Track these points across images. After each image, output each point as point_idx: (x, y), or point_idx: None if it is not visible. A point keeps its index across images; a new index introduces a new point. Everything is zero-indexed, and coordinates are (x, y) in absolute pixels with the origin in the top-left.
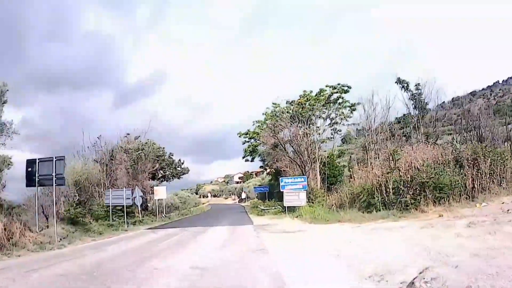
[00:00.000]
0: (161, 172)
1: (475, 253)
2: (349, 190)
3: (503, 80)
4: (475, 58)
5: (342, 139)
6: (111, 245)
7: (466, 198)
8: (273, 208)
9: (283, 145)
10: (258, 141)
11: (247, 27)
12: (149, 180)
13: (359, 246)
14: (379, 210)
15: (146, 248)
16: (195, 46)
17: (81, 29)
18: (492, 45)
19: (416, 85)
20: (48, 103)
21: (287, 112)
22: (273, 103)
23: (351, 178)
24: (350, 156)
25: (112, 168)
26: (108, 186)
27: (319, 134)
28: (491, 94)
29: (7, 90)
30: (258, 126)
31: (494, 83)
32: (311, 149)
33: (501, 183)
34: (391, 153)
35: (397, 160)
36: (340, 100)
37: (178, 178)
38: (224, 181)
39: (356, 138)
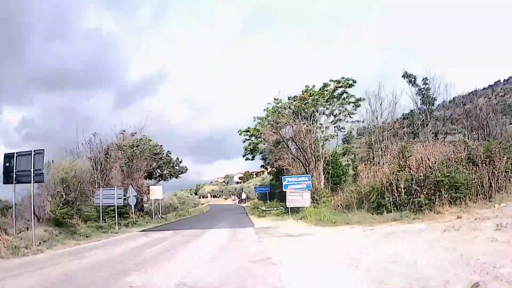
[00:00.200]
0: (158, 171)
1: None
2: (356, 190)
3: (504, 80)
4: (476, 57)
5: (343, 139)
6: (93, 250)
7: (483, 198)
8: (275, 209)
9: (286, 142)
10: (259, 139)
11: (249, 26)
12: (145, 179)
13: (379, 253)
14: (390, 211)
15: (130, 256)
16: (196, 46)
17: (81, 28)
18: (493, 45)
19: (423, 79)
20: (49, 103)
21: (289, 107)
22: (275, 99)
23: (355, 177)
24: (354, 155)
25: (107, 167)
26: (102, 185)
27: (322, 131)
28: (492, 93)
29: None
30: (259, 122)
31: (495, 82)
32: (314, 147)
33: None
34: (401, 150)
35: (408, 157)
36: (345, 95)
37: (176, 178)
38: (224, 182)
39: (357, 138)
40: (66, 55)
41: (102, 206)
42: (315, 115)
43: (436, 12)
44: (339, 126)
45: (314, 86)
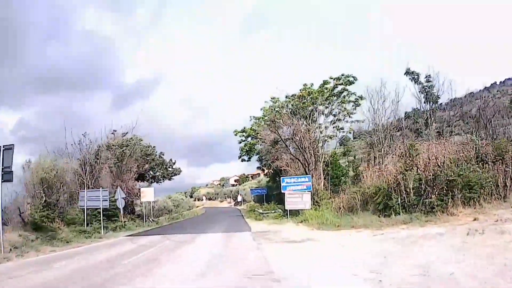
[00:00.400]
0: (151, 172)
1: None
2: (360, 191)
3: (500, 82)
4: (473, 59)
5: (340, 142)
6: (65, 260)
7: (498, 198)
8: (273, 211)
9: (284, 141)
10: (255, 139)
11: (249, 26)
12: (136, 180)
13: (403, 264)
14: (398, 213)
15: (104, 268)
16: (195, 46)
17: (79, 29)
18: (490, 45)
19: (426, 76)
20: (46, 104)
21: (287, 106)
22: (272, 98)
23: (356, 178)
24: (354, 156)
25: (96, 168)
26: (92, 187)
27: (321, 132)
28: (488, 96)
29: None
30: (256, 122)
31: (491, 84)
32: (314, 146)
33: None
34: (408, 149)
35: (416, 156)
36: (345, 93)
37: (169, 179)
38: (220, 184)
39: (353, 140)
40: (64, 57)
41: (86, 209)
42: (313, 115)
43: (435, 12)
44: (338, 126)
45: (313, 84)
